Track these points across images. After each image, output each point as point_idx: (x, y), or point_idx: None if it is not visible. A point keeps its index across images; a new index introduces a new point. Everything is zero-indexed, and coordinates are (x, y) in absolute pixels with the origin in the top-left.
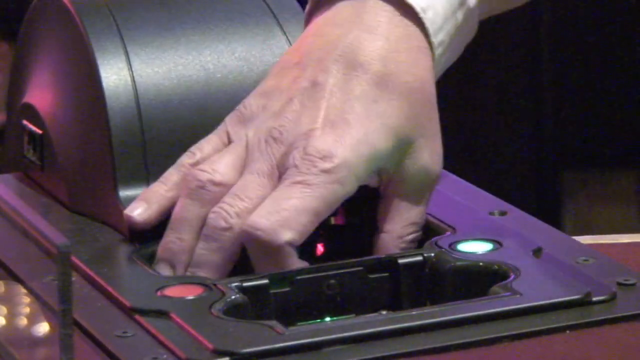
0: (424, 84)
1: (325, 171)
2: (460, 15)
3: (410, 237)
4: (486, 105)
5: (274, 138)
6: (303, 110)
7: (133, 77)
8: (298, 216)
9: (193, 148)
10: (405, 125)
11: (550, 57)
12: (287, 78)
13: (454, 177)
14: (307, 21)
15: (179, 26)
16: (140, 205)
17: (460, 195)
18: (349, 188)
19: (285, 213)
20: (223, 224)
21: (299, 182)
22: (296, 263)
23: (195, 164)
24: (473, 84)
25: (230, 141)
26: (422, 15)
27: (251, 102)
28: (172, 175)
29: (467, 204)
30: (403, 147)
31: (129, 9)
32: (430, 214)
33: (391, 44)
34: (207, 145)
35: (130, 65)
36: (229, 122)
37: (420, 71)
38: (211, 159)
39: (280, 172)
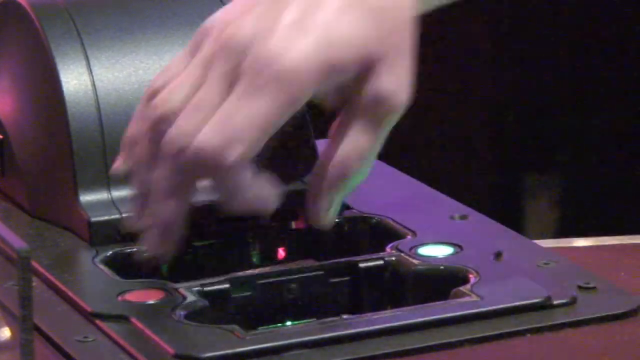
0: (397, 4)
1: (274, 77)
2: None
3: (351, 169)
4: (445, 108)
5: (231, 43)
6: (265, 13)
7: (93, 81)
8: (245, 130)
9: (160, 72)
10: (371, 43)
11: (512, 55)
12: None
13: (415, 180)
14: None
15: (139, 30)
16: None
17: (421, 199)
18: (301, 95)
19: (229, 130)
20: (178, 145)
21: (246, 91)
22: (250, 179)
23: (156, 92)
24: (433, 84)
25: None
26: None
27: (216, 14)
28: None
29: (427, 207)
30: (365, 66)
31: (89, 13)
32: (391, 218)
33: None
34: (173, 67)
35: (90, 69)
36: (195, 35)
37: None
38: (170, 86)
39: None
